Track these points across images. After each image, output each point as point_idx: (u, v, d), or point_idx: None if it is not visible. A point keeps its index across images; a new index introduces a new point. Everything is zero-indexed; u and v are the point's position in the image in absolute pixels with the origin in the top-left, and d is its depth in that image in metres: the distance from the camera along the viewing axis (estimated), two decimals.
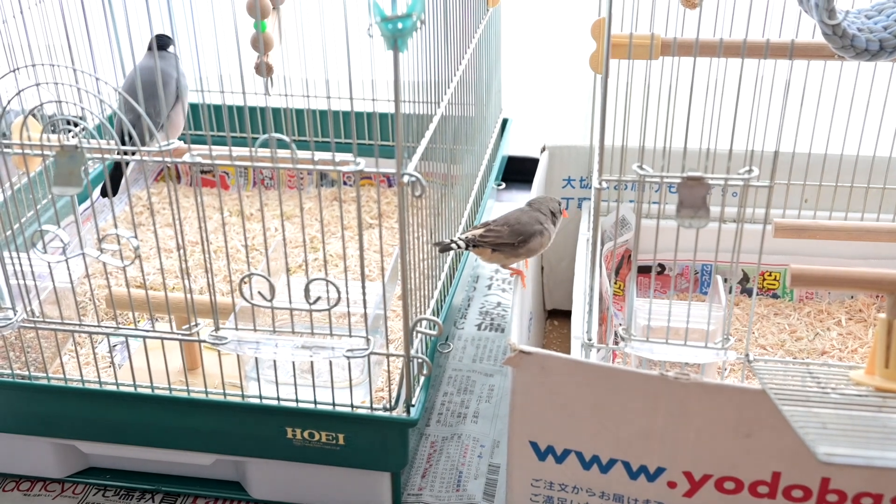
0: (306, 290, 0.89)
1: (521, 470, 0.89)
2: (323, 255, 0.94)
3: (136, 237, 0.91)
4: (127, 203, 1.51)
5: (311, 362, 0.97)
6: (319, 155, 0.85)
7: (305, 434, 0.98)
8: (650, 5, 0.84)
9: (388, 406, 0.97)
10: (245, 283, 0.91)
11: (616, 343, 1.02)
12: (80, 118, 0.89)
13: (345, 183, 1.61)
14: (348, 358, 0.93)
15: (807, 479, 0.81)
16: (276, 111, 1.50)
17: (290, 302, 0.91)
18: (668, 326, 0.89)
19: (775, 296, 1.30)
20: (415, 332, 0.95)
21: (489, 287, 1.47)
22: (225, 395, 0.99)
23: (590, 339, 0.95)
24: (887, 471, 0.79)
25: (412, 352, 0.94)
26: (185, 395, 1.00)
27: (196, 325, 0.97)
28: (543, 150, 1.32)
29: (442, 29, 1.03)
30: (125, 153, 0.88)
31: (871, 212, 1.21)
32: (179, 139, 1.12)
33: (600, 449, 0.85)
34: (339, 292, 0.89)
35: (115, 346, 1.21)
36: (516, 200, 1.68)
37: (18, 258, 0.95)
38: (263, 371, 0.99)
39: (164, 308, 1.00)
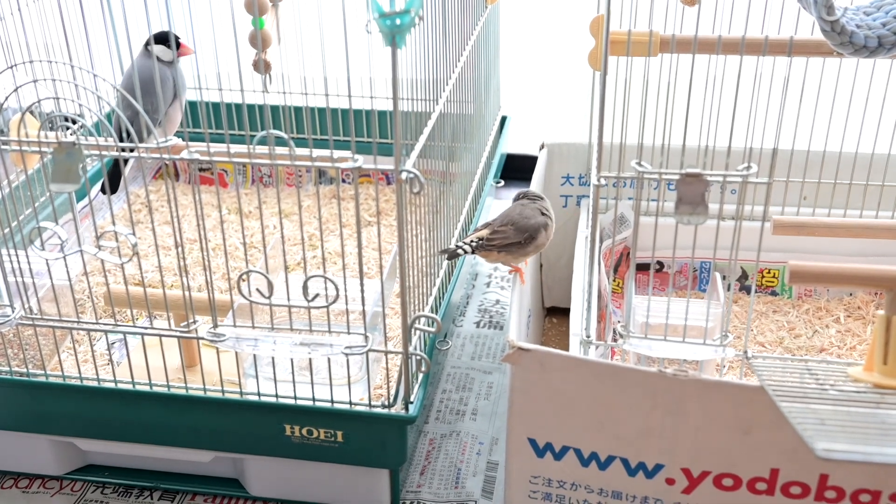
0: (305, 287, 0.89)
1: (519, 467, 0.89)
2: (321, 252, 0.93)
3: (134, 234, 0.91)
4: (125, 200, 1.51)
5: (310, 359, 0.97)
6: (318, 152, 0.85)
7: (304, 431, 0.98)
8: (649, 2, 0.84)
9: (386, 403, 0.97)
10: (243, 280, 0.91)
11: (615, 340, 1.02)
12: (78, 115, 0.89)
13: (343, 180, 1.61)
14: (347, 355, 0.93)
15: (805, 475, 0.81)
16: (274, 108, 1.49)
17: (289, 299, 0.91)
18: (667, 323, 0.89)
19: (774, 293, 1.30)
20: (413, 330, 0.95)
21: (488, 284, 1.47)
22: (223, 392, 0.99)
23: (588, 337, 0.95)
24: (886, 467, 0.79)
25: (411, 349, 0.94)
26: (183, 392, 1.00)
27: (194, 322, 0.97)
28: (542, 147, 1.32)
29: (440, 26, 1.03)
30: (123, 150, 0.88)
31: (869, 209, 1.21)
32: (177, 136, 1.12)
33: (599, 446, 0.85)
34: (337, 289, 0.89)
35: (113, 343, 1.21)
36: None
37: (16, 255, 0.95)
38: (262, 368, 0.99)
39: (162, 305, 0.99)
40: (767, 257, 1.26)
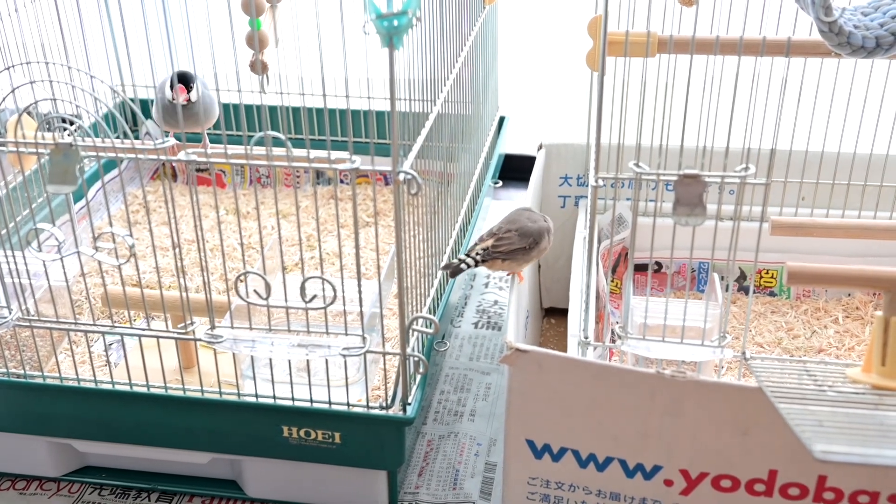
0: (302, 288, 0.89)
1: (517, 468, 0.89)
2: (319, 253, 0.93)
3: (131, 236, 0.90)
4: (122, 201, 1.51)
5: (308, 361, 0.97)
6: (315, 153, 0.85)
7: (302, 433, 0.97)
8: (647, 3, 0.84)
9: (384, 404, 0.97)
10: (241, 281, 0.91)
11: (613, 341, 1.02)
12: (76, 116, 0.88)
13: (341, 181, 1.61)
14: (344, 356, 0.93)
15: (803, 476, 0.81)
16: (272, 109, 1.50)
17: (286, 300, 0.91)
18: (665, 324, 0.89)
19: (772, 293, 1.30)
20: (411, 331, 0.95)
21: (486, 285, 1.47)
22: (221, 393, 0.99)
23: (586, 338, 0.95)
24: (884, 468, 0.79)
25: (409, 350, 0.94)
26: (180, 393, 1.00)
27: (192, 323, 0.97)
28: (540, 147, 1.32)
29: (438, 26, 1.03)
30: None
31: (868, 209, 1.21)
32: (175, 137, 1.12)
33: (597, 447, 0.85)
34: (335, 290, 0.89)
35: (110, 344, 1.21)
36: (513, 199, 1.68)
37: (13, 257, 0.95)
38: (259, 369, 0.99)
39: (159, 307, 0.99)
40: (766, 258, 1.27)
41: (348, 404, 0.97)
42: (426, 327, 0.99)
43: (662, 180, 0.82)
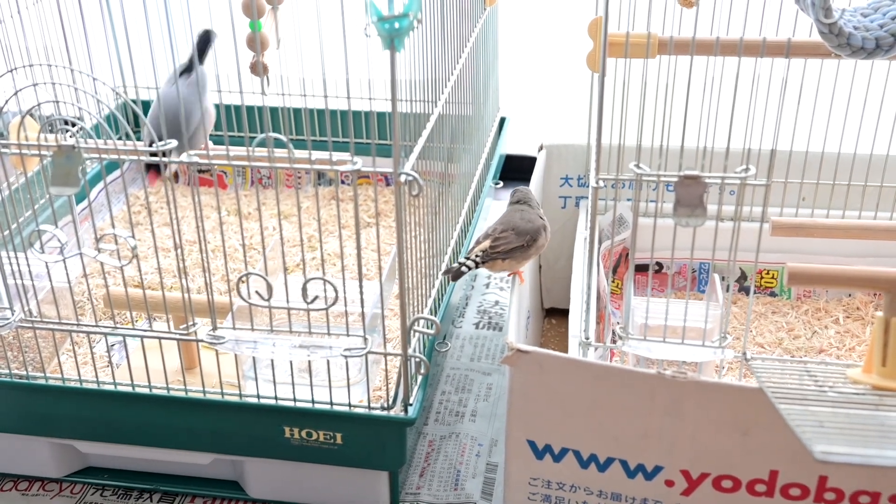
0: (304, 289, 0.89)
1: (518, 469, 0.89)
2: (320, 254, 0.94)
3: (133, 237, 0.91)
4: (124, 203, 1.51)
5: (309, 361, 0.97)
6: (317, 154, 0.85)
7: (303, 433, 0.98)
8: (647, 4, 0.84)
9: (385, 405, 0.97)
10: (243, 282, 0.91)
11: (614, 342, 1.02)
12: (78, 118, 0.89)
13: (342, 182, 1.61)
14: (346, 357, 0.93)
15: (804, 477, 0.82)
16: (273, 110, 1.50)
17: (288, 301, 0.91)
18: (666, 325, 0.89)
19: (773, 294, 1.30)
20: (412, 331, 0.95)
21: (487, 286, 1.47)
22: (223, 394, 0.99)
23: (587, 338, 0.95)
24: (884, 469, 0.79)
25: (410, 351, 0.94)
26: (182, 394, 1.00)
27: (194, 324, 0.97)
28: (541, 148, 1.32)
29: (439, 28, 1.03)
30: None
31: (868, 210, 1.21)
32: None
33: (598, 448, 0.85)
34: (336, 291, 0.89)
35: (112, 345, 1.21)
36: None
37: (16, 258, 0.95)
38: (261, 370, 0.99)
39: (161, 308, 1.00)
40: (766, 258, 1.27)
41: (350, 405, 0.97)
42: (427, 328, 0.99)
43: (663, 181, 0.82)
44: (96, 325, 1.00)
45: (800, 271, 0.80)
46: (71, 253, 0.92)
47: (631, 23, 0.99)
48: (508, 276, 1.12)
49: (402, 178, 0.84)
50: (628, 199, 1.28)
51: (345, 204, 1.54)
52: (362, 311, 0.91)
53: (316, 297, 0.89)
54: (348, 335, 0.93)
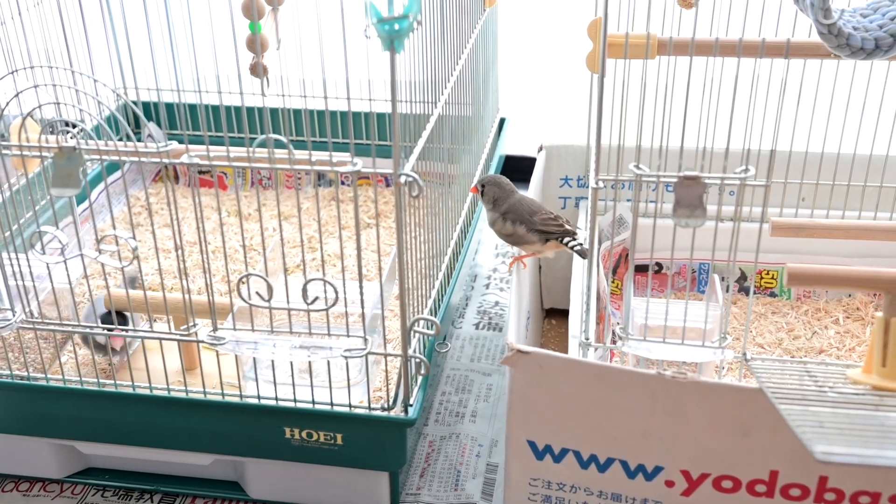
0: (304, 290, 0.89)
1: (519, 469, 0.89)
2: (321, 255, 0.94)
3: (134, 238, 0.91)
4: (125, 204, 1.51)
5: (309, 362, 0.97)
6: (317, 155, 0.85)
7: (303, 434, 0.98)
8: (646, 5, 0.84)
9: (385, 406, 0.97)
10: (243, 283, 0.91)
11: (613, 342, 1.02)
12: (79, 120, 0.89)
13: (342, 183, 1.62)
14: (346, 358, 0.93)
15: (804, 477, 0.82)
16: (273, 111, 1.50)
17: (288, 302, 0.91)
18: (666, 325, 0.89)
19: (773, 294, 1.30)
20: (412, 332, 0.95)
21: (487, 286, 1.47)
22: (223, 395, 0.99)
23: (587, 339, 0.95)
24: (885, 469, 0.79)
25: (410, 351, 0.95)
26: (183, 395, 1.00)
27: (194, 325, 0.97)
28: (540, 149, 1.32)
29: (439, 29, 1.04)
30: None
31: (868, 210, 1.21)
32: (177, 140, 1.12)
33: (598, 448, 0.85)
34: (336, 292, 0.89)
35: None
36: None
37: (17, 259, 0.95)
38: (261, 371, 1.00)
39: (162, 308, 1.00)
40: (766, 258, 1.27)
41: (350, 405, 0.97)
42: (427, 329, 0.99)
43: (663, 182, 0.82)
44: (97, 326, 1.00)
45: (799, 272, 0.80)
46: (72, 254, 0.92)
47: (630, 23, 0.99)
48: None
49: (402, 178, 0.85)
50: (628, 200, 1.28)
51: (345, 205, 1.54)
52: (362, 312, 0.91)
53: (316, 298, 0.90)
54: (348, 336, 0.93)
